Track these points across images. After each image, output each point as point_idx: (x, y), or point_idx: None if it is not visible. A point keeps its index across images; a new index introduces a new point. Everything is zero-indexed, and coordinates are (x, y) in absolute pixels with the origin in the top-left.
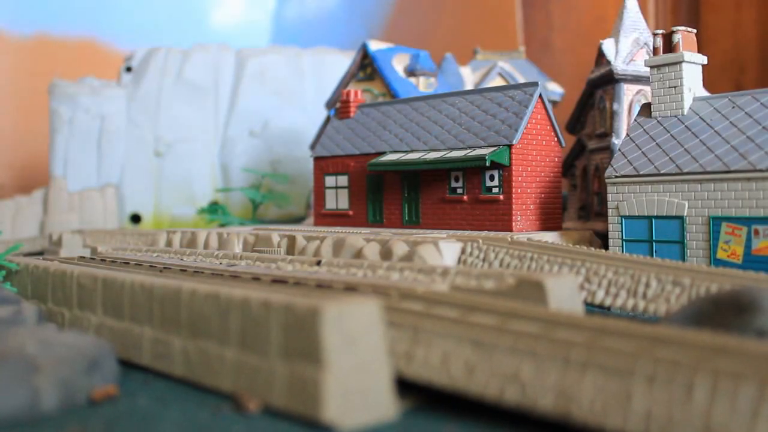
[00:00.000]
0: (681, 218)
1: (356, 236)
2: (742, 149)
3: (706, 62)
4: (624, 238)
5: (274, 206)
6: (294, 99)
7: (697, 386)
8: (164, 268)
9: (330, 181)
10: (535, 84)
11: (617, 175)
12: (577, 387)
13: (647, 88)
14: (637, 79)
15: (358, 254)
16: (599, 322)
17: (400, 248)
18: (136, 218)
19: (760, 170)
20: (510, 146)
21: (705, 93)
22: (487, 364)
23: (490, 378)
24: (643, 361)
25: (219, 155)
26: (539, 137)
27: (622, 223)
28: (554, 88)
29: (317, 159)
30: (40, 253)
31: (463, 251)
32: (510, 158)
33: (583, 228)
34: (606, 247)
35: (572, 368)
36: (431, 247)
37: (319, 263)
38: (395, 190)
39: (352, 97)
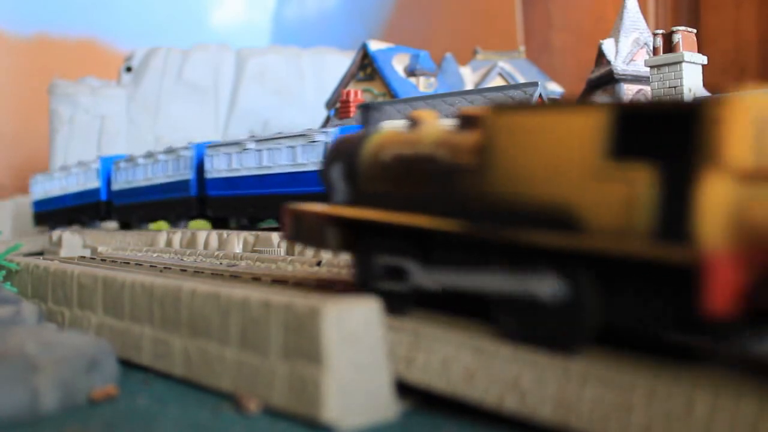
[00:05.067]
0: None
1: None
2: None
3: (706, 62)
4: None
5: None
6: (294, 99)
7: (697, 401)
8: (164, 268)
9: None
10: (534, 84)
11: None
12: (577, 397)
13: (647, 88)
14: (637, 79)
15: None
16: None
17: None
18: None
19: None
20: None
21: (705, 93)
22: (487, 371)
23: (490, 385)
24: (643, 375)
25: None
26: None
27: None
28: (554, 88)
29: None
30: (40, 253)
31: None
32: None
33: None
34: None
35: (572, 378)
36: None
37: (319, 263)
38: None
39: (352, 97)
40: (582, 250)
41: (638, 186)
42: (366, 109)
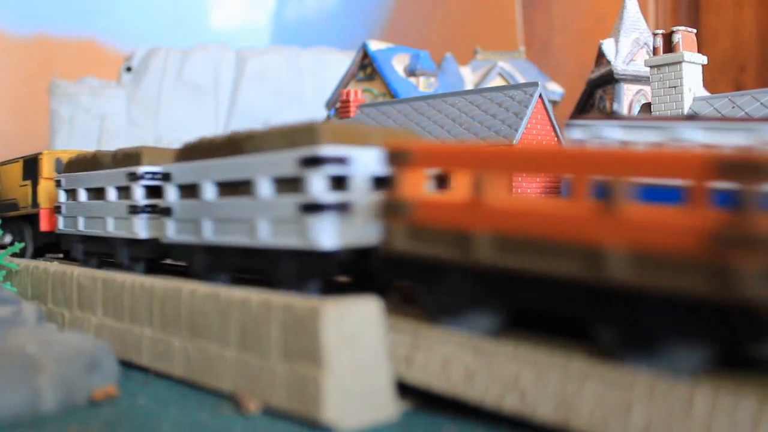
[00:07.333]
0: None
1: None
2: None
3: (706, 62)
4: None
5: None
6: (294, 99)
7: (697, 401)
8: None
9: None
10: (535, 84)
11: None
12: (577, 397)
13: (647, 88)
14: (637, 79)
15: None
16: None
17: None
18: None
19: None
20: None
21: (705, 93)
22: (487, 371)
23: (490, 385)
24: (643, 374)
25: None
26: (539, 137)
27: None
28: (554, 88)
29: None
30: None
31: None
32: None
33: None
34: None
35: (572, 378)
36: None
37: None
38: None
39: (352, 97)
40: (23, 215)
41: (27, 189)
42: None
